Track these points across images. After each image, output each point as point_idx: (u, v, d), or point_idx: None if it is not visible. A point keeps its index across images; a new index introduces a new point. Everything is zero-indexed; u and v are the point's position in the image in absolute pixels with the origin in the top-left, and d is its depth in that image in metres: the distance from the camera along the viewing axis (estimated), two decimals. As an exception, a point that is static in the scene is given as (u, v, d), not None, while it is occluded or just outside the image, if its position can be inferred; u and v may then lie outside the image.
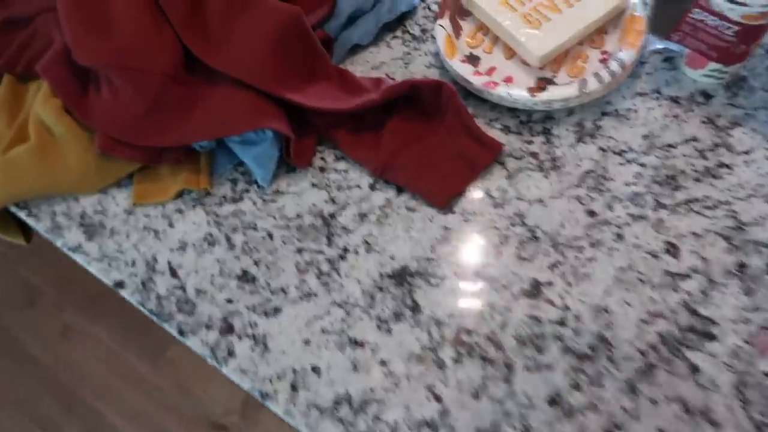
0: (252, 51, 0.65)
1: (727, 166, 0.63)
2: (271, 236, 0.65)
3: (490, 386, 0.55)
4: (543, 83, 0.69)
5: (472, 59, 0.72)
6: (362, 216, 0.65)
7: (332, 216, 0.66)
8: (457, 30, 0.73)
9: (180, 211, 0.68)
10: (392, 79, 0.73)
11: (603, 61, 0.69)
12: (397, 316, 0.59)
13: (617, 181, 0.64)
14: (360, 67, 0.75)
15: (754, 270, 0.57)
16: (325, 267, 0.63)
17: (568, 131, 0.67)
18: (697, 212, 0.61)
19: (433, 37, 0.75)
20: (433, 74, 0.73)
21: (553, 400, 0.54)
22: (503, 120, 0.69)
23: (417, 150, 0.66)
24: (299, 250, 0.64)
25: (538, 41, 0.68)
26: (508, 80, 0.70)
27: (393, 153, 0.66)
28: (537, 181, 0.65)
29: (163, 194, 0.68)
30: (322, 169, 0.69)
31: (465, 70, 0.68)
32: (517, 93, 0.66)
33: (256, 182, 0.68)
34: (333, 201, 0.66)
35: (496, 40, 0.73)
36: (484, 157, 0.65)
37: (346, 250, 0.63)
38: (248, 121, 0.64)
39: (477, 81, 0.67)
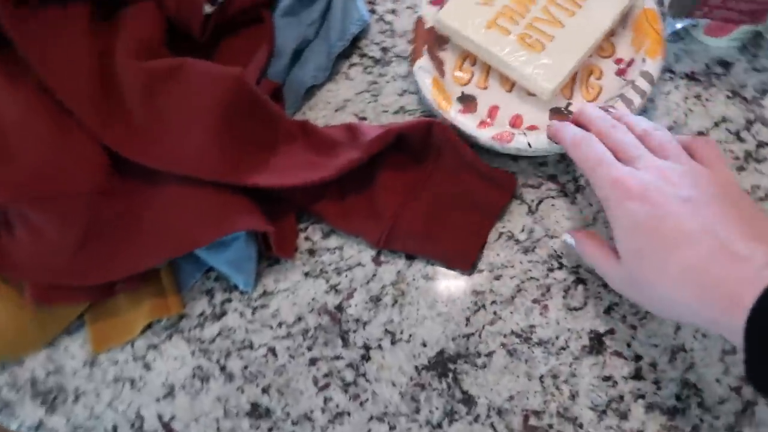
0: (192, 136, 0.52)
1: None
2: (274, 352, 0.54)
3: (580, 476, 0.47)
4: (562, 118, 0.55)
5: (467, 101, 0.58)
6: (375, 300, 0.54)
7: (339, 308, 0.55)
8: (439, 66, 0.59)
9: (154, 347, 0.55)
10: (363, 119, 0.61)
11: (621, 73, 0.57)
12: (450, 416, 0.50)
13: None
14: (321, 111, 0.62)
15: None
16: (349, 375, 0.52)
17: (580, 139, 0.57)
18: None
19: (399, 57, 0.63)
20: (408, 102, 0.61)
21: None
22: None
23: (420, 206, 0.55)
24: (312, 362, 0.53)
25: (546, 70, 0.54)
26: (517, 120, 0.56)
27: (393, 215, 0.55)
28: (564, 209, 0.55)
29: (127, 332, 0.55)
30: (311, 252, 0.57)
31: (468, 124, 0.54)
32: (538, 140, 0.52)
33: (236, 287, 0.56)
34: (335, 289, 0.55)
35: (487, 69, 0.59)
36: (499, 197, 0.55)
37: (367, 347, 0.53)
38: (212, 227, 0.51)
39: (485, 135, 0.54)
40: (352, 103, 0.62)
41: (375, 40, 0.65)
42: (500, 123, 0.56)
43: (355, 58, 0.64)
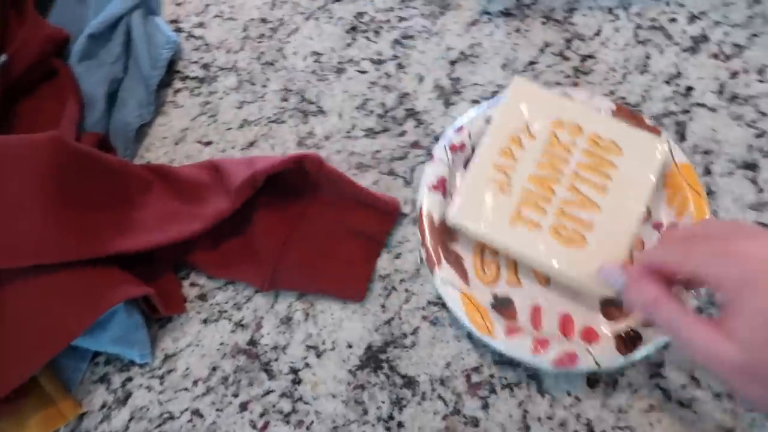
0: (22, 221, 0.45)
1: (590, 57, 0.59)
2: (199, 414, 0.49)
3: (530, 409, 0.48)
4: (612, 310, 0.48)
5: (503, 306, 0.48)
6: (286, 321, 0.52)
7: (252, 343, 0.51)
8: (459, 268, 0.49)
9: (62, 460, 0.48)
10: (208, 143, 0.57)
11: None
12: (398, 403, 0.49)
13: (508, 126, 0.57)
14: (161, 150, 0.57)
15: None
16: (285, 405, 0.49)
17: (431, 100, 0.58)
18: (593, 116, 0.57)
19: (224, 69, 0.60)
20: (250, 112, 0.58)
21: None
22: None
23: (302, 243, 0.52)
24: (243, 407, 0.49)
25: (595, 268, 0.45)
26: (567, 324, 0.47)
27: (274, 257, 0.51)
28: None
29: (23, 457, 0.47)
30: (202, 297, 0.53)
31: (521, 351, 0.45)
32: (606, 356, 0.45)
33: (133, 363, 0.51)
34: (241, 325, 0.52)
35: (512, 263, 0.50)
36: (383, 223, 0.53)
37: (294, 370, 0.50)
38: (84, 312, 0.45)
39: (544, 361, 0.45)
40: (191, 130, 0.58)
41: (192, 58, 0.61)
42: (549, 330, 0.47)
43: (177, 84, 0.60)
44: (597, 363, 0.44)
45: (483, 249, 0.50)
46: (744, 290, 0.33)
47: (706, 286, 0.36)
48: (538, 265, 0.48)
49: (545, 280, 0.49)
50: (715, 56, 0.58)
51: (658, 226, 0.50)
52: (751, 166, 0.53)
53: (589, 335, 0.47)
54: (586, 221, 0.47)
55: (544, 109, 0.50)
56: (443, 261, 0.49)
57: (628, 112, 0.53)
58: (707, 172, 0.53)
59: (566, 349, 0.45)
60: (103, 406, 0.50)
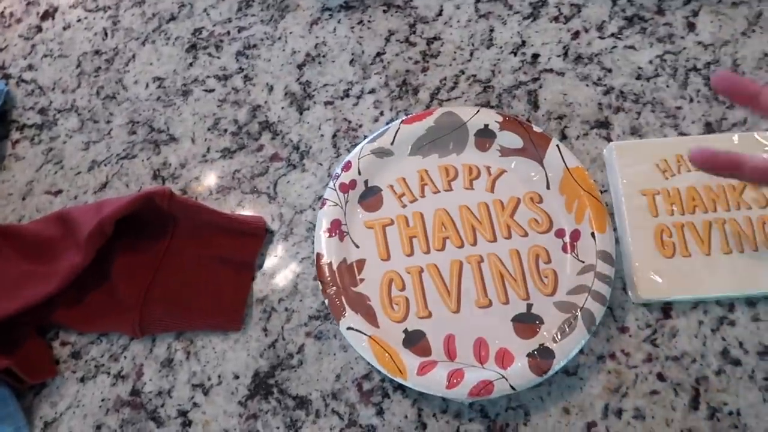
0: None
1: (436, 38, 0.59)
2: (89, 478, 0.47)
3: (424, 406, 0.48)
4: (526, 326, 0.47)
5: (415, 341, 0.47)
6: (167, 364, 0.50)
7: (135, 392, 0.49)
8: (366, 312, 0.48)
9: None
10: (59, 192, 0.54)
11: (567, 248, 0.49)
12: (294, 426, 0.48)
13: (364, 124, 0.56)
14: (8, 208, 0.54)
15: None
16: (178, 451, 0.48)
17: (284, 109, 0.57)
18: (447, 100, 0.57)
19: (62, 110, 0.56)
20: (98, 152, 0.55)
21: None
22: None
23: (168, 283, 0.50)
24: (135, 461, 0.48)
25: None
26: (482, 348, 0.47)
27: (142, 302, 0.50)
28: (299, 181, 0.55)
29: None
30: (75, 355, 0.50)
31: (436, 387, 0.45)
32: (521, 377, 0.45)
33: (10, 438, 0.48)
34: (120, 377, 0.50)
35: (421, 289, 0.49)
36: (251, 245, 0.52)
37: (183, 413, 0.49)
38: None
39: (460, 393, 0.44)
40: (38, 182, 0.55)
41: (26, 105, 0.57)
42: (464, 357, 0.47)
43: (15, 134, 0.56)
44: (513, 387, 0.44)
45: (390, 285, 0.50)
46: None
47: None
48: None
49: (456, 307, 0.48)
50: (556, 19, 0.58)
51: (560, 234, 0.50)
52: (603, 125, 0.54)
53: (504, 357, 0.46)
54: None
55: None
56: (347, 308, 0.48)
57: (516, 122, 0.52)
58: (563, 137, 0.54)
59: (481, 378, 0.45)
60: (-15, 491, 0.47)
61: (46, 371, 0.49)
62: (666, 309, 0.48)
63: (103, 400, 0.49)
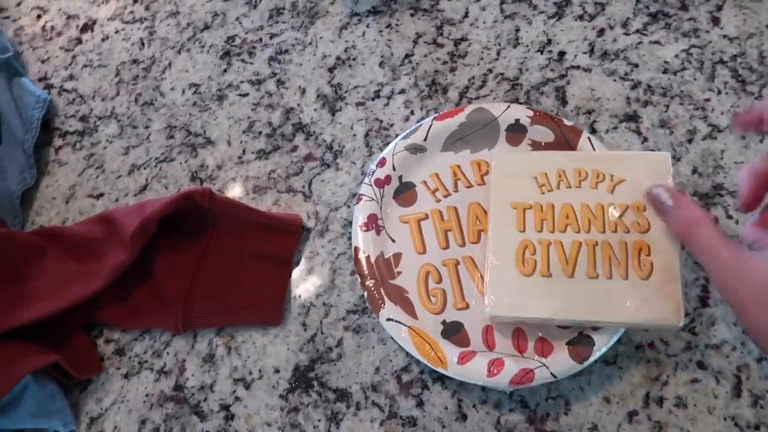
0: None
1: (463, 39, 0.60)
2: (135, 472, 0.48)
3: (463, 397, 0.49)
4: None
5: (453, 332, 0.48)
6: (209, 359, 0.51)
7: (178, 388, 0.50)
8: (404, 303, 0.48)
9: None
10: (100, 195, 0.55)
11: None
12: (335, 418, 0.49)
13: (396, 123, 0.57)
14: (52, 211, 0.56)
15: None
16: (222, 444, 0.49)
17: (316, 111, 0.58)
18: (476, 98, 0.58)
19: (103, 117, 0.58)
20: (138, 156, 0.57)
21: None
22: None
23: (209, 280, 0.52)
24: (179, 455, 0.49)
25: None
26: (521, 338, 0.47)
27: (185, 298, 0.51)
28: (333, 179, 0.56)
29: None
30: (120, 352, 0.52)
31: (477, 376, 0.45)
32: (562, 364, 0.44)
33: (58, 433, 0.49)
34: (164, 372, 0.51)
35: (457, 281, 0.49)
36: (289, 242, 0.53)
37: (225, 407, 0.50)
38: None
39: (501, 382, 0.44)
40: (80, 186, 0.56)
41: (68, 113, 0.59)
42: (503, 348, 0.47)
43: (57, 141, 0.58)
44: (553, 375, 0.44)
45: (427, 278, 0.50)
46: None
47: None
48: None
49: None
50: (580, 17, 0.60)
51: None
52: (632, 118, 0.55)
53: (543, 347, 0.46)
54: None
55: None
56: (386, 300, 0.48)
57: (547, 116, 0.52)
58: (593, 131, 0.55)
59: (522, 367, 0.44)
60: (34, 487, 0.48)
61: (92, 367, 0.50)
62: (703, 298, 0.48)
63: (147, 396, 0.50)
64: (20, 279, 0.49)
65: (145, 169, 0.57)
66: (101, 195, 0.56)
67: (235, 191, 0.56)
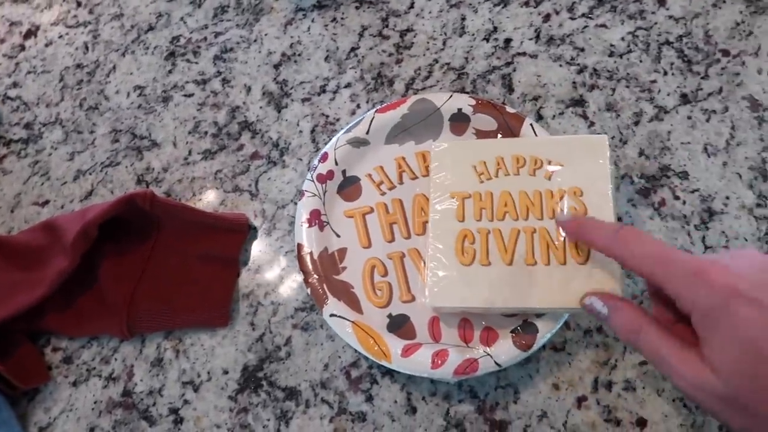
0: None
1: (409, 30, 0.59)
2: (83, 479, 0.48)
3: (412, 389, 0.48)
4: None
5: (400, 325, 0.47)
6: (157, 363, 0.50)
7: (127, 393, 0.50)
8: (349, 298, 0.48)
9: None
10: (46, 203, 0.55)
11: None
12: (284, 417, 0.48)
13: (342, 118, 0.57)
14: (-4, 220, 0.55)
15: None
16: (170, 448, 0.48)
17: (262, 108, 0.58)
18: (422, 89, 0.57)
19: (47, 124, 0.57)
20: (82, 162, 0.56)
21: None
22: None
23: (154, 283, 0.51)
24: (128, 461, 0.48)
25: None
26: (467, 328, 0.47)
27: (129, 303, 0.50)
28: (280, 177, 0.55)
29: None
30: (67, 360, 0.51)
31: (420, 368, 0.44)
32: (507, 352, 0.44)
33: (5, 445, 0.49)
34: (111, 379, 0.50)
35: (403, 272, 0.49)
36: (235, 242, 0.52)
37: (174, 410, 0.49)
38: None
39: (445, 373, 0.44)
40: (25, 194, 0.56)
41: (12, 121, 0.58)
42: (449, 339, 0.47)
43: (2, 150, 0.58)
44: (497, 364, 0.44)
45: (372, 272, 0.50)
46: (716, 317, 0.31)
47: (679, 305, 0.34)
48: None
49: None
50: (526, 4, 0.59)
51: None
52: (578, 103, 0.55)
53: (488, 336, 0.46)
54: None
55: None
56: (329, 296, 0.48)
57: (490, 105, 0.52)
58: (539, 117, 0.54)
59: (465, 357, 0.44)
60: (-19, 498, 0.48)
61: (38, 376, 0.50)
62: (650, 279, 0.48)
63: (95, 403, 0.50)
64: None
65: (90, 174, 0.56)
66: (47, 202, 0.56)
67: (182, 193, 0.55)
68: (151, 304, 0.50)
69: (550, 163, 0.47)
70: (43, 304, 0.49)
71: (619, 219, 0.49)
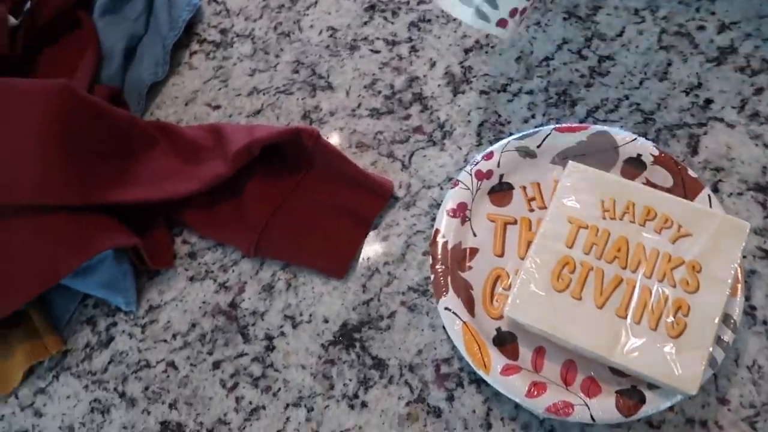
0: (25, 162, 0.48)
1: (609, 58, 0.57)
2: (174, 365, 0.51)
3: (494, 407, 0.48)
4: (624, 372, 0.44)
5: (504, 342, 0.47)
6: (268, 289, 0.53)
7: (233, 305, 0.53)
8: (466, 297, 0.48)
9: (42, 391, 0.51)
10: (217, 107, 0.58)
11: None
12: (365, 383, 0.50)
13: (513, 122, 0.56)
14: (170, 108, 0.59)
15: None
16: (256, 370, 0.51)
17: (440, 87, 0.58)
18: (603, 120, 0.55)
19: (240, 36, 0.61)
20: (260, 81, 0.59)
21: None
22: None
23: (291, 215, 0.53)
24: (216, 365, 0.51)
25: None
26: (570, 371, 0.45)
27: (264, 225, 0.52)
28: (435, 158, 0.56)
29: (6, 383, 0.50)
30: (192, 255, 0.54)
31: (515, 391, 0.44)
32: (604, 411, 0.43)
33: (119, 309, 0.53)
34: (224, 287, 0.53)
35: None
36: (374, 204, 0.53)
37: (269, 337, 0.52)
38: (72, 254, 0.47)
39: (537, 406, 0.43)
40: (202, 93, 0.59)
41: (211, 23, 0.62)
42: (549, 374, 0.45)
43: (194, 46, 0.61)
44: (593, 417, 0.42)
45: (496, 281, 0.49)
46: None
47: None
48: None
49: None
50: (741, 70, 0.55)
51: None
52: (763, 189, 0.51)
53: (590, 387, 0.45)
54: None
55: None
56: (450, 288, 0.48)
57: (672, 161, 0.49)
58: (715, 189, 0.51)
59: (563, 398, 0.43)
60: (86, 346, 0.52)
61: (165, 261, 0.53)
62: (776, 395, 0.45)
63: (203, 303, 0.53)
64: (128, 161, 0.53)
65: (264, 94, 0.59)
66: (218, 107, 0.59)
67: (339, 141, 0.57)
68: (283, 232, 0.52)
69: (680, 227, 0.45)
70: (189, 198, 0.53)
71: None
